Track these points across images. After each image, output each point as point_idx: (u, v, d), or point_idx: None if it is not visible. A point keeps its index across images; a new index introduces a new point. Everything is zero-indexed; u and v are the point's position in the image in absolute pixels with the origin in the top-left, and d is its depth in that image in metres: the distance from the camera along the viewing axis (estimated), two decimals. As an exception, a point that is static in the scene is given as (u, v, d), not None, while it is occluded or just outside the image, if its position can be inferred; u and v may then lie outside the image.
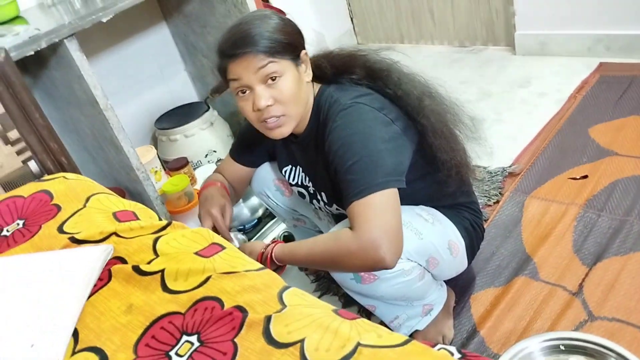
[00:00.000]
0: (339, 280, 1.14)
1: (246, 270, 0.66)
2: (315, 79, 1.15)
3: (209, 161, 2.12)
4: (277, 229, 1.75)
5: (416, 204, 1.21)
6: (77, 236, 0.75)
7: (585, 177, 1.68)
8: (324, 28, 2.88)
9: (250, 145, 1.35)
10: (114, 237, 0.74)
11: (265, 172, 1.41)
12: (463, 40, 2.82)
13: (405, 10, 2.93)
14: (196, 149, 2.09)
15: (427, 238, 1.15)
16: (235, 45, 1.03)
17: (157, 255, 0.70)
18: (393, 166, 1.04)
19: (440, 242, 1.19)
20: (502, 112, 2.18)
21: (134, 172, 1.67)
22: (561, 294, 1.33)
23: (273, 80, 1.03)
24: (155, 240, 0.72)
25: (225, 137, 2.15)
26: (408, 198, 1.13)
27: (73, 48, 1.43)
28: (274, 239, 1.73)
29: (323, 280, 1.60)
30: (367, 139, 1.03)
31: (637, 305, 1.24)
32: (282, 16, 1.09)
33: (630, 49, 2.21)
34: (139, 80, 2.15)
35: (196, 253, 0.70)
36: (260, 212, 1.74)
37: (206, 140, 2.10)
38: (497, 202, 1.71)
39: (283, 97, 1.05)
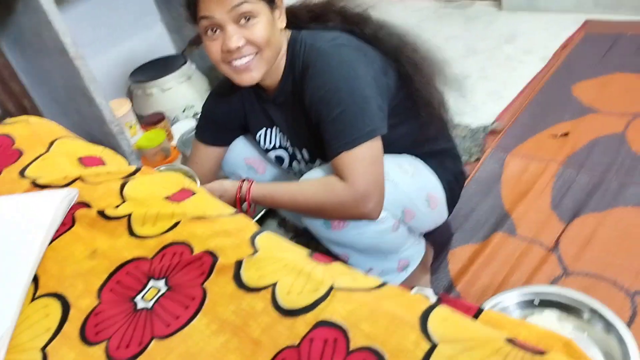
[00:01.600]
0: (308, 225, 1.13)
1: (218, 215, 0.63)
2: (288, 25, 1.10)
3: (186, 116, 2.07)
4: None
5: (399, 151, 1.19)
6: (39, 181, 0.71)
7: (566, 134, 1.68)
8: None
9: (219, 120, 1.26)
10: (78, 182, 0.71)
11: (235, 152, 1.33)
12: (450, -5, 2.76)
13: (391, -37, 2.85)
14: (173, 103, 2.04)
15: (403, 189, 1.13)
16: None
17: (124, 200, 0.67)
18: (378, 111, 1.02)
19: (418, 194, 1.17)
20: (487, 68, 2.15)
21: (107, 125, 1.62)
22: (537, 250, 1.34)
23: (247, 20, 0.98)
24: (123, 185, 0.69)
25: (203, 92, 2.09)
26: (392, 145, 1.11)
27: (39, -7, 1.36)
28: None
29: (302, 237, 1.59)
30: (352, 84, 1.00)
31: (612, 259, 1.26)
32: None
33: (618, 4, 2.18)
34: (113, 30, 2.07)
35: (166, 198, 0.67)
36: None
37: (183, 95, 2.04)
38: (478, 159, 1.70)
39: (255, 38, 1.00)
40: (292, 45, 1.09)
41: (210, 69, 2.16)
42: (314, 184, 1.06)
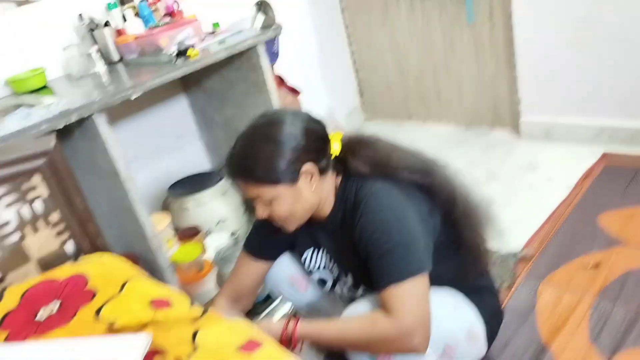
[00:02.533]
0: (352, 357, 1.13)
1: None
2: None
3: (219, 230, 2.12)
4: (287, 304, 1.73)
5: (440, 285, 1.22)
6: (114, 325, 0.74)
7: (597, 265, 1.69)
8: (334, 104, 2.98)
9: (269, 235, 1.29)
10: (151, 327, 0.73)
11: (279, 268, 1.37)
12: (469, 122, 2.91)
13: (412, 91, 3.05)
14: (207, 217, 2.10)
15: (446, 325, 1.14)
16: (229, 170, 1.13)
17: (195, 347, 0.69)
18: (425, 249, 1.08)
19: (460, 329, 1.18)
20: (510, 195, 2.21)
21: (147, 241, 1.66)
22: (581, 388, 1.31)
23: (268, 202, 1.11)
24: (195, 333, 0.72)
25: (237, 206, 2.16)
26: (433, 280, 1.14)
27: (101, 122, 1.47)
28: (284, 314, 1.70)
29: (335, 357, 1.56)
30: (401, 222, 1.07)
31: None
32: (285, 131, 1.09)
33: (633, 140, 2.29)
34: (155, 147, 2.19)
35: (238, 349, 0.69)
36: (270, 287, 1.72)
37: (218, 209, 2.11)
38: (510, 286, 1.70)
39: (276, 216, 1.13)
40: (344, 182, 1.17)
41: (243, 186, 2.25)
42: (359, 319, 1.08)
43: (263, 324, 1.16)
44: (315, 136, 1.13)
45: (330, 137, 1.18)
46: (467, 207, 1.19)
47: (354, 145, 1.19)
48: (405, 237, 1.06)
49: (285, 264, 1.38)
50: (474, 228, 1.20)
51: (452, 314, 1.17)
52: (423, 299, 1.05)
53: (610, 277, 1.63)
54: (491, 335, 1.30)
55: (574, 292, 1.61)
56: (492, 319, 1.29)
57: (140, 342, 0.68)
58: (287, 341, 1.09)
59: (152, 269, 1.71)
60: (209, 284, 1.79)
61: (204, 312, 0.79)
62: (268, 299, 1.74)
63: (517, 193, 2.22)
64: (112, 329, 0.73)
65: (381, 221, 1.07)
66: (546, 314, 1.56)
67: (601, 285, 1.61)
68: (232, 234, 1.83)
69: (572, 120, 2.45)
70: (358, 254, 1.12)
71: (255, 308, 1.72)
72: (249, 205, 2.21)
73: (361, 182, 1.15)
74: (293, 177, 1.10)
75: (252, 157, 1.10)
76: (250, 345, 0.71)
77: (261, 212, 1.14)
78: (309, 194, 1.13)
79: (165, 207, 2.22)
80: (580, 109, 2.40)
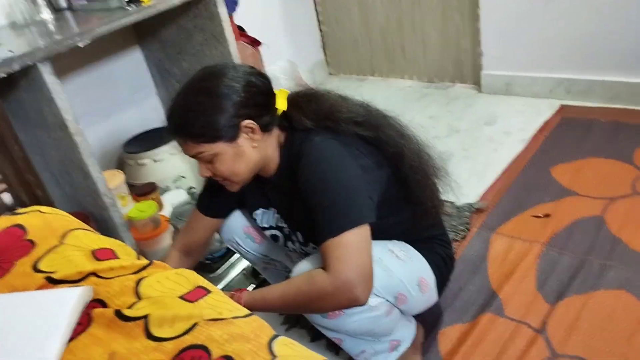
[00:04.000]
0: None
1: (234, 317, 0.65)
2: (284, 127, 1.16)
3: (177, 187, 2.09)
4: (245, 260, 1.74)
5: (390, 238, 1.23)
6: (53, 276, 0.72)
7: (548, 215, 1.75)
8: (297, 58, 2.92)
9: (218, 194, 1.30)
10: (93, 278, 0.72)
11: (234, 220, 1.39)
12: (432, 77, 2.91)
13: (377, 45, 3.01)
14: (165, 174, 2.07)
15: (396, 275, 1.16)
16: (169, 126, 1.11)
17: (139, 298, 0.69)
18: (365, 201, 1.06)
19: (410, 279, 1.20)
20: (469, 148, 2.25)
21: (100, 198, 1.63)
22: (526, 331, 1.37)
23: (208, 161, 1.09)
24: (138, 282, 0.71)
25: (194, 163, 2.11)
26: (383, 233, 1.15)
27: (47, 72, 1.40)
28: (242, 269, 1.71)
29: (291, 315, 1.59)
30: (340, 175, 1.06)
31: (599, 344, 1.29)
32: (222, 83, 1.06)
33: (589, 92, 2.34)
34: (108, 102, 2.12)
35: (181, 297, 0.68)
36: (229, 242, 1.72)
37: (175, 166, 2.08)
38: (464, 237, 1.75)
39: (219, 173, 1.11)
40: (290, 139, 1.16)
41: (202, 141, 2.21)
42: (297, 279, 1.07)
43: None
44: (256, 90, 1.09)
45: (275, 92, 1.15)
46: (418, 161, 1.18)
47: (299, 99, 1.17)
48: (343, 190, 1.04)
49: (239, 216, 1.39)
50: (423, 183, 1.19)
51: (401, 264, 1.19)
52: (362, 250, 1.02)
53: (559, 226, 1.69)
54: (442, 283, 1.33)
55: (524, 241, 1.67)
56: (443, 268, 1.32)
57: (79, 294, 0.67)
58: None
59: (106, 227, 1.68)
60: (166, 241, 1.77)
61: (150, 262, 0.78)
62: (225, 256, 1.74)
63: (475, 146, 2.25)
64: (52, 281, 0.72)
65: (320, 174, 1.06)
66: (497, 262, 1.62)
67: (550, 234, 1.67)
68: (189, 189, 1.81)
69: (531, 74, 2.48)
70: (305, 210, 1.11)
71: (213, 265, 1.72)
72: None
73: (305, 136, 1.12)
74: (233, 133, 1.06)
75: (189, 113, 1.06)
76: (197, 293, 0.71)
77: (204, 171, 1.12)
78: (251, 151, 1.10)
79: (121, 164, 2.17)
80: (539, 63, 2.42)
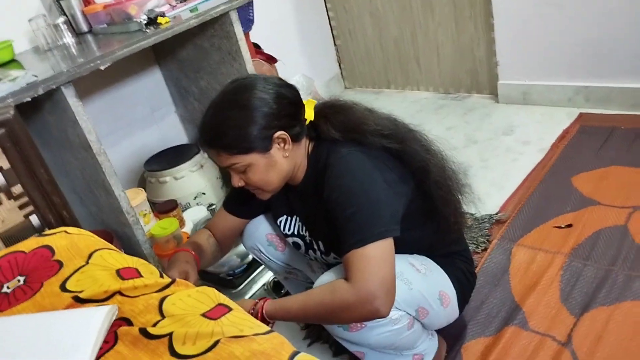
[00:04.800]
0: (327, 327, 1.14)
1: (255, 334, 0.66)
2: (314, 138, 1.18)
3: (197, 203, 2.12)
4: (266, 275, 1.75)
5: (412, 252, 1.23)
6: (80, 295, 0.74)
7: (570, 225, 1.73)
8: (313, 72, 2.95)
9: (245, 198, 1.32)
10: (118, 296, 0.73)
11: (257, 226, 1.41)
12: (448, 88, 2.91)
13: (392, 57, 3.03)
14: (185, 191, 2.09)
15: (417, 288, 1.16)
16: (202, 139, 1.13)
17: (163, 316, 0.70)
18: (390, 215, 1.07)
19: (431, 293, 1.20)
20: (488, 159, 2.23)
21: (123, 215, 1.66)
22: (550, 344, 1.35)
23: (242, 171, 1.11)
24: (162, 300, 0.72)
25: (214, 180, 2.16)
26: (404, 246, 1.15)
27: (70, 94, 1.44)
28: (263, 285, 1.72)
29: (313, 328, 1.59)
30: (366, 187, 1.06)
31: (625, 357, 1.26)
32: (256, 96, 1.08)
33: (608, 100, 2.31)
34: (129, 121, 2.17)
35: (203, 315, 0.70)
36: (249, 258, 1.74)
37: (196, 183, 2.11)
38: (485, 249, 1.73)
39: (252, 183, 1.13)
40: (316, 148, 1.17)
41: (221, 157, 2.23)
42: (322, 289, 1.08)
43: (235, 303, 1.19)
44: (287, 102, 1.12)
45: (303, 103, 1.17)
46: (441, 176, 1.19)
47: (326, 110, 1.19)
48: (368, 202, 1.05)
49: (263, 222, 1.41)
50: (447, 198, 1.20)
51: (422, 278, 1.19)
52: (385, 263, 1.02)
53: (582, 237, 1.67)
54: (463, 299, 1.33)
55: (546, 252, 1.65)
56: (464, 283, 1.32)
57: (105, 314, 0.68)
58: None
59: (129, 244, 1.71)
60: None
61: (173, 281, 0.79)
62: (246, 271, 1.75)
63: (494, 157, 2.24)
64: (79, 300, 0.74)
65: (346, 186, 1.07)
66: (519, 274, 1.60)
67: (573, 245, 1.64)
68: (209, 206, 1.83)
69: (548, 82, 2.46)
70: (328, 221, 1.12)
71: (234, 280, 1.73)
72: (226, 178, 2.21)
73: (332, 147, 1.14)
74: (265, 144, 1.09)
75: (222, 126, 1.08)
76: (218, 311, 0.72)
77: (236, 182, 1.14)
78: (283, 161, 1.12)
79: (143, 182, 2.21)
80: (556, 71, 2.41)
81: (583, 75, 2.34)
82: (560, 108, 2.43)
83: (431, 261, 1.25)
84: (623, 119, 2.23)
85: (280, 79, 1.17)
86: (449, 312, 1.27)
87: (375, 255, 1.02)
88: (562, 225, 1.73)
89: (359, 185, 1.07)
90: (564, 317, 1.42)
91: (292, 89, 1.15)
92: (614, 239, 1.63)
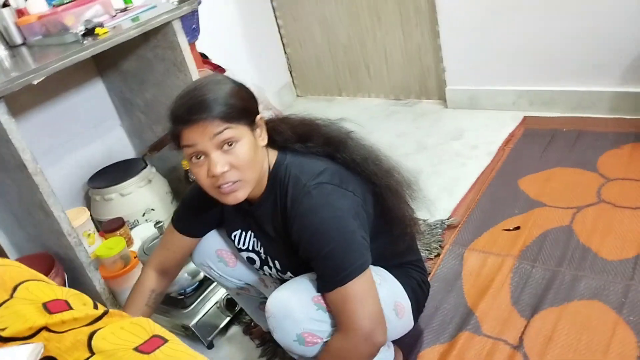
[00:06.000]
0: (283, 345, 1.11)
1: (191, 367, 0.62)
2: (270, 143, 1.14)
3: (146, 220, 2.04)
4: (219, 292, 1.70)
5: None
6: (3, 334, 0.68)
7: (518, 228, 1.76)
8: (264, 82, 2.92)
9: (197, 213, 1.29)
10: (44, 333, 0.68)
11: (207, 242, 1.36)
12: (398, 94, 2.94)
13: (342, 64, 3.03)
14: (133, 208, 2.02)
15: None
16: (190, 110, 1.01)
17: (92, 352, 0.65)
18: (362, 243, 1.07)
19: (386, 304, 1.19)
20: (438, 164, 2.26)
21: (64, 237, 1.58)
22: (503, 348, 1.36)
23: (230, 145, 1.02)
24: (91, 335, 0.67)
25: (164, 195, 2.09)
26: None
27: (1, 111, 1.36)
28: (216, 302, 1.67)
29: (269, 345, 1.56)
30: (337, 223, 1.05)
31: (575, 356, 1.29)
32: (235, 81, 1.09)
33: (550, 103, 2.39)
34: (71, 137, 2.07)
35: (136, 349, 0.65)
36: (201, 276, 1.68)
37: (143, 199, 2.03)
38: (438, 255, 1.75)
39: (239, 162, 1.03)
40: (277, 167, 1.13)
41: (170, 171, 2.17)
42: (322, 357, 1.10)
43: None
44: (254, 97, 1.10)
45: None
46: (391, 180, 1.19)
47: (272, 121, 1.18)
48: (343, 238, 1.05)
49: (212, 238, 1.36)
50: (400, 205, 1.20)
51: (378, 289, 1.17)
52: (369, 296, 1.05)
53: (529, 239, 1.70)
54: (418, 309, 1.33)
55: (496, 255, 1.67)
56: (419, 293, 1.32)
57: (29, 354, 0.63)
58: None
59: (72, 267, 1.63)
60: (136, 279, 1.72)
61: (106, 312, 0.74)
62: (198, 290, 1.70)
63: (444, 162, 2.27)
64: (1, 339, 0.68)
65: (317, 224, 1.05)
66: (472, 279, 1.62)
67: (521, 247, 1.68)
68: (157, 223, 1.76)
69: (494, 87, 2.52)
70: (286, 244, 1.11)
71: (185, 300, 1.68)
72: (176, 192, 2.15)
73: (295, 169, 1.11)
74: (251, 121, 1.06)
75: (219, 92, 1.02)
76: (153, 343, 0.68)
77: (222, 166, 1.02)
78: (260, 151, 1.09)
79: (87, 200, 2.11)
80: (501, 76, 2.47)
81: (526, 80, 2.41)
82: (505, 112, 2.49)
83: (386, 272, 1.25)
84: (565, 121, 2.31)
85: None
86: (404, 322, 1.27)
87: (361, 291, 1.04)
88: (511, 228, 1.77)
89: (331, 222, 1.05)
90: (515, 320, 1.44)
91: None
92: (560, 239, 1.67)
